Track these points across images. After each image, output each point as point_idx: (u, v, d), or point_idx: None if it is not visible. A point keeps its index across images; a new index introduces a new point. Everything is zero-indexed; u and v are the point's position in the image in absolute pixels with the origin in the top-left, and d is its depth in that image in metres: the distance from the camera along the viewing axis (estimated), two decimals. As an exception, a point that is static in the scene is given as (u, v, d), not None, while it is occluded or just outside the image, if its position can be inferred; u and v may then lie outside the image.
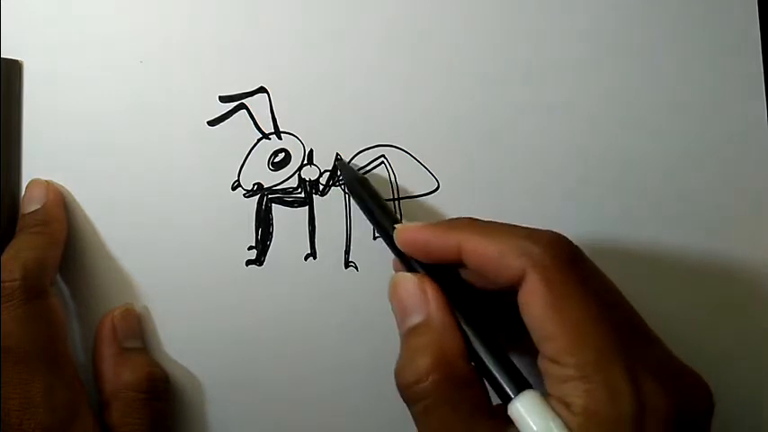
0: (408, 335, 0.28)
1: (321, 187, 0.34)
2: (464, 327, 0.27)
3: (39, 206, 0.32)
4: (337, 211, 0.34)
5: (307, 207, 0.34)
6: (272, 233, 0.34)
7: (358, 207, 0.33)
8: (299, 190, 0.34)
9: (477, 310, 0.28)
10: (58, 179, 0.34)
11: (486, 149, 0.34)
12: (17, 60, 0.34)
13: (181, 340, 0.33)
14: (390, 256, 0.31)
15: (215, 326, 0.33)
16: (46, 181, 0.33)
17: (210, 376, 0.33)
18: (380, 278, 0.33)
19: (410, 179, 0.34)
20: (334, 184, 0.34)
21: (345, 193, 0.34)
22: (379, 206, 0.31)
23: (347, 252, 0.34)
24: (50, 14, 0.34)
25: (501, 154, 0.34)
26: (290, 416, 0.33)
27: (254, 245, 0.34)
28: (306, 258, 0.34)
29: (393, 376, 0.27)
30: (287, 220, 0.34)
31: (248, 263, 0.34)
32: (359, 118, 0.34)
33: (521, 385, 0.25)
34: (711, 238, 0.34)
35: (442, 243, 0.28)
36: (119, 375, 0.31)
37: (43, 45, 0.34)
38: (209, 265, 0.33)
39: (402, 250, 0.29)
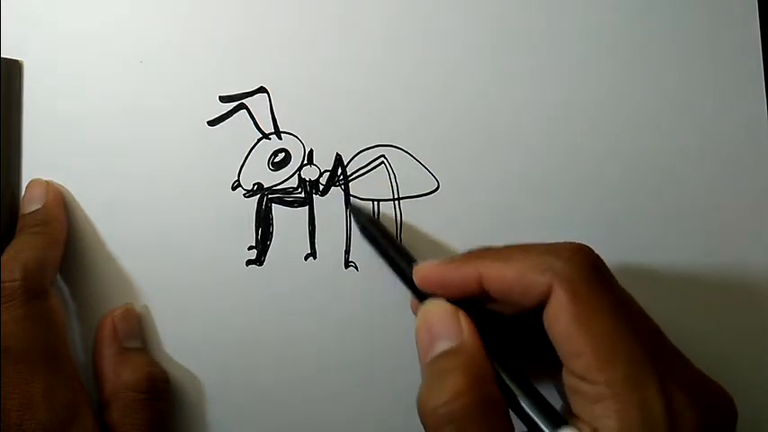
0: (437, 359, 0.26)
1: (321, 187, 0.34)
2: (495, 364, 0.26)
3: (39, 206, 0.32)
4: (337, 211, 0.34)
5: (307, 207, 0.34)
6: (272, 233, 0.34)
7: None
8: (299, 190, 0.34)
9: (503, 345, 0.27)
10: (58, 179, 0.34)
11: (486, 149, 0.34)
12: (17, 60, 0.34)
13: (181, 340, 0.33)
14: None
15: (215, 326, 0.33)
16: (46, 181, 0.33)
17: (210, 376, 0.33)
18: (380, 278, 0.33)
19: (410, 179, 0.34)
20: (334, 184, 0.34)
21: (345, 192, 0.34)
22: (395, 247, 0.31)
23: (347, 252, 0.34)
24: (50, 14, 0.34)
25: (501, 154, 0.34)
26: (289, 416, 0.33)
27: (254, 245, 0.34)
28: (306, 258, 0.34)
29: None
30: (287, 220, 0.34)
31: (248, 263, 0.34)
32: (359, 118, 0.34)
33: (557, 421, 0.25)
34: (711, 237, 0.34)
35: (462, 275, 0.27)
36: (119, 375, 0.31)
37: (43, 45, 0.34)
38: (209, 265, 0.33)
39: (422, 289, 0.29)
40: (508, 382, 0.26)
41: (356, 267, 0.34)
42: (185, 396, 0.33)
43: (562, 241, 0.27)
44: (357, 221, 0.33)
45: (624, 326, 0.24)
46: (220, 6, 0.34)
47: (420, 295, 0.29)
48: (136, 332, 0.33)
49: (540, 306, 0.25)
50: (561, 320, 0.24)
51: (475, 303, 0.28)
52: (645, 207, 0.34)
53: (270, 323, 0.33)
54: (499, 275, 0.26)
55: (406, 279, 0.30)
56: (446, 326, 0.27)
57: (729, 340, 0.33)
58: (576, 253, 0.26)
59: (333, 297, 0.33)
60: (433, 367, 0.26)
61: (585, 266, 0.25)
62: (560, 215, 0.34)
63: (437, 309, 0.28)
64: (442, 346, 0.27)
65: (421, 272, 0.29)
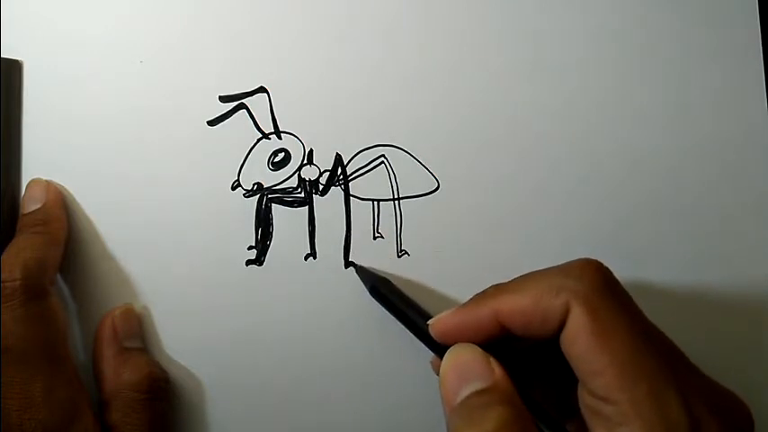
0: (469, 399, 0.25)
1: (321, 187, 0.34)
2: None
3: (39, 206, 0.32)
4: (337, 211, 0.34)
5: (307, 207, 0.34)
6: (272, 233, 0.34)
7: (375, 296, 0.32)
8: (299, 190, 0.34)
9: (525, 385, 0.27)
10: (58, 179, 0.34)
11: (487, 149, 0.34)
12: (17, 60, 0.34)
13: (181, 340, 0.33)
14: (391, 254, 0.31)
15: (215, 326, 0.33)
16: (46, 181, 0.33)
17: (210, 376, 0.33)
18: (380, 278, 0.33)
19: (410, 179, 0.34)
20: (333, 184, 0.34)
21: (345, 192, 0.34)
22: (408, 305, 0.31)
23: (347, 252, 0.34)
24: (50, 14, 0.34)
25: (501, 154, 0.34)
26: (289, 416, 0.33)
27: (254, 245, 0.34)
28: (306, 258, 0.34)
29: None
30: (287, 220, 0.34)
31: (248, 263, 0.34)
32: (359, 118, 0.34)
33: None
34: (711, 238, 0.34)
35: (479, 317, 0.27)
36: (119, 375, 0.31)
37: (43, 45, 0.34)
38: (209, 265, 0.33)
39: (441, 341, 0.28)
40: (541, 425, 0.26)
41: (356, 267, 0.34)
42: (185, 396, 0.33)
43: (570, 260, 0.26)
44: (365, 282, 0.33)
45: (641, 340, 0.24)
46: (220, 6, 0.34)
47: (439, 349, 0.28)
48: (136, 332, 0.33)
49: (561, 328, 0.25)
50: (581, 339, 0.24)
51: (494, 347, 0.27)
52: (645, 207, 0.34)
53: (270, 323, 0.33)
54: (515, 307, 0.26)
55: (423, 335, 0.29)
56: (477, 367, 0.26)
57: (729, 340, 0.33)
58: (586, 268, 0.26)
59: (333, 297, 0.33)
60: (465, 406, 0.25)
61: (598, 281, 0.25)
62: (560, 215, 0.34)
63: (465, 352, 0.27)
64: (473, 387, 0.26)
65: (437, 325, 0.28)
